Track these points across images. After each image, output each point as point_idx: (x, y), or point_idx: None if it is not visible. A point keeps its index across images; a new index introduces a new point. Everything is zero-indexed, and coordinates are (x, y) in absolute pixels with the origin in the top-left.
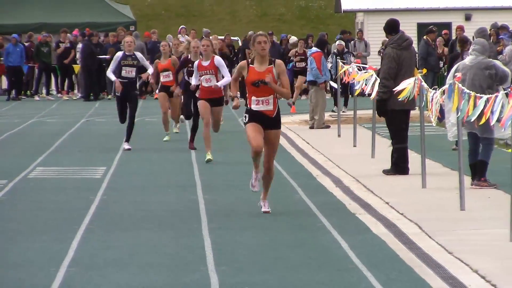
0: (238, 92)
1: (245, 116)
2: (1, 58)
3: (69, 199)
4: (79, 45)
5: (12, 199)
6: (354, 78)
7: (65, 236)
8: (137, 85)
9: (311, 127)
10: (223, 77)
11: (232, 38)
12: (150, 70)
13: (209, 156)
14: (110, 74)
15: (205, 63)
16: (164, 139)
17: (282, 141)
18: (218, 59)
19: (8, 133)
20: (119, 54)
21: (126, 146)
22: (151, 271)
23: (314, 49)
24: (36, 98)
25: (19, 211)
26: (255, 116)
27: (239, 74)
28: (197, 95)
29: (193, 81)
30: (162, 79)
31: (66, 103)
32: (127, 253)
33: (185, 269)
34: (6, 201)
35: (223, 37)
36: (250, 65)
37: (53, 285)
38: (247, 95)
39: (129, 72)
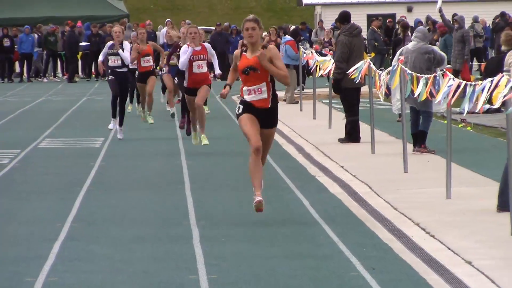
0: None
1: (239, 107)
2: (16, 46)
3: (72, 165)
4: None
5: (24, 166)
6: (312, 61)
7: (69, 196)
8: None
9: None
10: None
11: (209, 28)
12: (127, 61)
13: (205, 141)
14: (99, 61)
15: (197, 48)
16: (149, 121)
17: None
18: (209, 47)
19: (20, 110)
20: (109, 43)
21: (118, 130)
22: (142, 226)
23: (288, 37)
24: (45, 80)
25: (30, 176)
26: (249, 108)
27: (235, 64)
28: (185, 84)
29: (181, 64)
30: (142, 64)
31: (70, 84)
32: (121, 211)
33: (170, 223)
34: (19, 168)
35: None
36: (243, 53)
37: (59, 238)
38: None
39: (114, 61)
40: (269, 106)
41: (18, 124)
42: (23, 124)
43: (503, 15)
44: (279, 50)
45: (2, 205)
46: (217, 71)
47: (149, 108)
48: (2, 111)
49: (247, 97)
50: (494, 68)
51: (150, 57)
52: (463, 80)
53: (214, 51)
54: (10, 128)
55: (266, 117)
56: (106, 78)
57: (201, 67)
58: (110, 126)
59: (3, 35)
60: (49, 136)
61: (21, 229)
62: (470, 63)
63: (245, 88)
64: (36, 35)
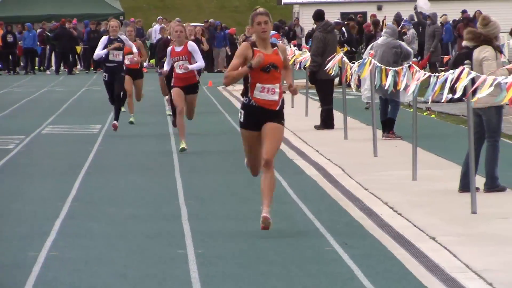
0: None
1: (241, 113)
2: (20, 42)
3: (72, 149)
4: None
5: (29, 150)
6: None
7: (69, 178)
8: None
9: None
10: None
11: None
12: (134, 49)
13: (183, 145)
14: (97, 56)
15: (178, 49)
16: (130, 119)
17: (236, 102)
18: (191, 44)
19: (25, 100)
20: (105, 38)
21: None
22: (136, 205)
23: (273, 31)
24: (47, 72)
25: (34, 159)
26: (253, 115)
27: (242, 59)
28: (172, 83)
29: (165, 66)
30: (126, 61)
31: (70, 76)
32: (117, 191)
33: (162, 203)
34: (24, 152)
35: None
36: (255, 48)
37: (60, 216)
38: (249, 83)
39: (116, 56)
40: (277, 108)
41: (23, 113)
42: (28, 113)
43: (463, 12)
44: None
45: (8, 186)
46: (198, 64)
47: (129, 109)
48: (8, 100)
49: (258, 94)
50: (461, 63)
51: (120, 52)
52: (416, 66)
53: (196, 47)
54: (16, 116)
55: (271, 116)
56: (103, 76)
57: (183, 67)
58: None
59: (6, 32)
60: (51, 123)
61: (25, 208)
62: (441, 56)
63: (259, 84)
64: (36, 32)
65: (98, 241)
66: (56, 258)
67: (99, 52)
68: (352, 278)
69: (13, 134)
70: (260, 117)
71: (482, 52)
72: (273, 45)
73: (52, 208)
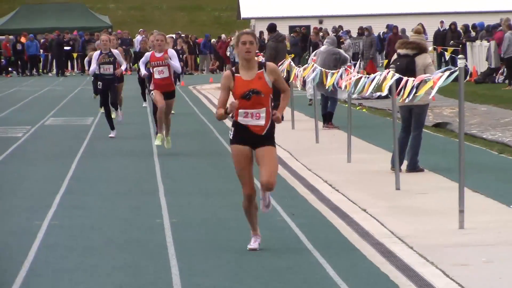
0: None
1: (231, 130)
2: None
3: (70, 137)
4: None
5: (34, 138)
6: None
7: (68, 160)
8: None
9: None
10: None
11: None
12: (123, 66)
13: (158, 142)
14: (91, 72)
15: (158, 55)
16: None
17: (207, 96)
18: (171, 51)
19: (31, 96)
20: (96, 53)
21: (119, 117)
22: (122, 183)
23: None
24: (49, 74)
25: (38, 146)
26: (242, 133)
27: (227, 91)
28: (151, 88)
29: (141, 68)
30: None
31: (68, 77)
32: (106, 172)
33: (143, 181)
34: (29, 140)
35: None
36: (236, 74)
37: (60, 191)
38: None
39: (107, 69)
40: (263, 133)
41: (30, 107)
42: (34, 107)
43: (388, 27)
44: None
45: (17, 167)
46: (175, 65)
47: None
48: (17, 97)
49: (242, 120)
50: (404, 68)
51: (111, 66)
52: (368, 73)
53: (175, 53)
54: (23, 110)
55: (259, 140)
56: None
57: (162, 73)
58: (111, 135)
59: (16, 41)
60: (53, 116)
61: (31, 185)
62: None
63: (241, 110)
64: (38, 41)
65: (91, 213)
66: (57, 226)
67: (92, 68)
68: (298, 242)
69: (21, 124)
70: (249, 135)
71: (427, 59)
72: (261, 65)
73: (53, 185)
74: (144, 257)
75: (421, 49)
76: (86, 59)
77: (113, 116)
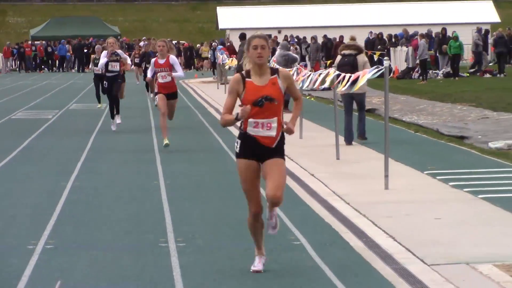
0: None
1: (237, 142)
2: (56, 51)
3: (89, 118)
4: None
5: (61, 119)
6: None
7: (87, 136)
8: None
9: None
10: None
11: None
12: (128, 60)
13: (166, 141)
14: (100, 66)
15: (161, 61)
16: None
17: (193, 93)
18: (172, 58)
19: (58, 88)
20: (104, 52)
21: (118, 120)
22: (125, 153)
23: (221, 46)
24: (73, 71)
25: (64, 125)
26: (249, 146)
27: (234, 95)
28: (156, 90)
29: (149, 74)
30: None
31: (87, 73)
32: (117, 144)
33: (142, 152)
34: (58, 120)
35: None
36: (247, 79)
37: (81, 159)
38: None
39: (114, 66)
40: (273, 146)
41: (58, 96)
42: (60, 96)
43: (326, 38)
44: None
45: (48, 141)
46: (178, 73)
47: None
48: (48, 88)
49: (251, 130)
50: (350, 64)
51: (117, 63)
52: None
53: (176, 60)
54: (53, 97)
55: (268, 153)
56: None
57: (165, 78)
58: (114, 126)
59: (47, 45)
60: (75, 102)
61: (59, 155)
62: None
63: (251, 120)
64: (68, 45)
65: (104, 176)
66: (78, 187)
67: (100, 62)
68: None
69: (51, 109)
70: (258, 147)
71: (365, 58)
72: (274, 71)
73: (76, 155)
74: (143, 210)
75: (360, 50)
76: (94, 56)
77: (118, 121)
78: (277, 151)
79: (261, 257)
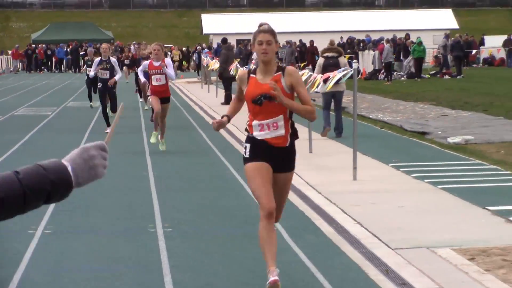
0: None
1: (245, 147)
2: (55, 54)
3: (85, 114)
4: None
5: (59, 116)
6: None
7: (82, 132)
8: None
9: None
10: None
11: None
12: (118, 75)
13: (163, 148)
14: (91, 77)
15: (156, 64)
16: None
17: (181, 93)
18: (168, 61)
19: (57, 87)
20: (97, 60)
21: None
22: (119, 146)
23: (206, 49)
24: (70, 72)
25: (62, 121)
26: (261, 150)
27: (239, 92)
28: (149, 94)
29: (140, 75)
30: (100, 76)
31: (83, 74)
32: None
33: (134, 145)
34: (55, 116)
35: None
36: (251, 75)
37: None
38: (247, 120)
39: (103, 74)
40: (287, 145)
41: (56, 94)
42: (59, 94)
43: (301, 42)
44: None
45: (47, 136)
46: (169, 72)
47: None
48: (48, 87)
49: (258, 134)
50: (334, 65)
51: (108, 72)
52: None
53: (171, 62)
54: (52, 96)
55: (282, 158)
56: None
57: (159, 80)
58: (107, 130)
59: (47, 48)
60: (72, 100)
61: (56, 148)
62: (297, 64)
63: (255, 122)
64: (64, 48)
65: None
66: None
67: (91, 74)
68: (241, 189)
69: (50, 106)
70: (270, 150)
71: (345, 60)
72: (280, 68)
73: (71, 148)
74: (135, 197)
75: (341, 53)
76: (87, 57)
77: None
78: (290, 157)
79: (274, 271)
